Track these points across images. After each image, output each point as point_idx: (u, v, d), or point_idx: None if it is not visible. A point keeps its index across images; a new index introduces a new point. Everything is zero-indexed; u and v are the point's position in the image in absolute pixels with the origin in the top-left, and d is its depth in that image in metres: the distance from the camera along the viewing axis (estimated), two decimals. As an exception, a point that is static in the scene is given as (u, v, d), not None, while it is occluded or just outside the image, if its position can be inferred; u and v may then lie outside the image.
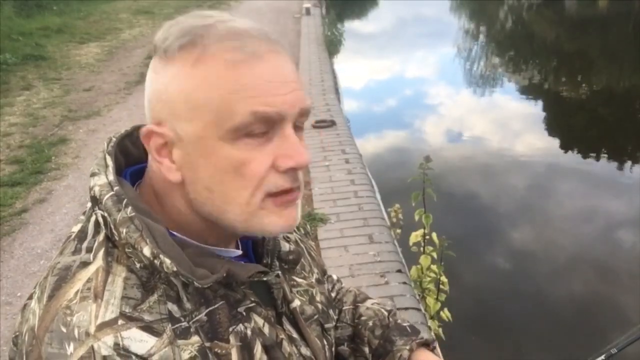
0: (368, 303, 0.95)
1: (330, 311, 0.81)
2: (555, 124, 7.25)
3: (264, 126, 0.56)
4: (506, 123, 7.30)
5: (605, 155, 6.01)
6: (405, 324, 0.90)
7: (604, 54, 10.79)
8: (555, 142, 6.50)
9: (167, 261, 0.54)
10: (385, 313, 0.92)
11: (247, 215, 0.58)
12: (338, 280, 1.00)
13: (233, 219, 0.58)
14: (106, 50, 8.75)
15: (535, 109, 7.84)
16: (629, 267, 3.87)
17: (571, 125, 7.35)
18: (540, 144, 6.43)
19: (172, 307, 0.56)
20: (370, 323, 0.90)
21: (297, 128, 0.60)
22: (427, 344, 0.88)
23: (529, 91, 8.75)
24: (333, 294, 0.96)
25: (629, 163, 5.84)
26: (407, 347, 0.85)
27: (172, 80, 0.56)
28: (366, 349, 0.88)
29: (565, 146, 6.30)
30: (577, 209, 4.87)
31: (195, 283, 0.55)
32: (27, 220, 3.70)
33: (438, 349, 0.93)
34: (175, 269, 0.54)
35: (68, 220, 3.64)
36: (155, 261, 0.54)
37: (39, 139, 5.15)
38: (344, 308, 0.94)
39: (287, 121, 0.57)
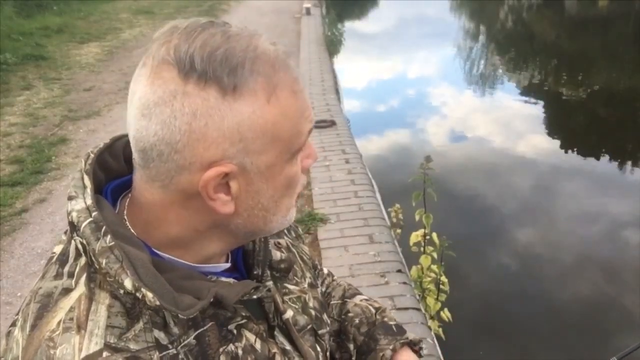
0: (357, 299, 0.94)
1: (324, 316, 0.80)
2: (556, 124, 7.25)
3: None
4: (506, 123, 7.30)
5: (607, 155, 6.01)
6: (391, 323, 0.89)
7: (604, 54, 10.79)
8: (555, 142, 6.50)
9: (149, 295, 0.51)
10: (373, 310, 0.91)
11: (284, 216, 0.62)
12: (329, 274, 1.00)
13: (275, 226, 0.62)
14: (106, 50, 8.75)
15: (535, 109, 7.83)
16: (634, 266, 3.87)
17: (571, 125, 7.35)
18: (540, 144, 6.43)
19: (159, 334, 0.54)
20: (357, 320, 0.89)
21: None
22: (413, 344, 0.87)
23: (529, 91, 8.74)
24: (323, 288, 0.94)
25: (630, 163, 5.84)
26: (390, 347, 0.84)
27: (246, 117, 0.52)
28: (351, 346, 0.88)
29: (566, 146, 6.30)
30: (579, 209, 4.87)
31: (179, 315, 0.53)
32: (27, 220, 3.70)
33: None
34: (157, 303, 0.52)
35: (68, 220, 3.64)
36: (137, 294, 0.52)
37: (39, 138, 5.15)
38: (331, 302, 0.93)
39: None
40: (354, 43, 12.33)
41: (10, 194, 4.03)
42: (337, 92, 6.89)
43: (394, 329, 0.88)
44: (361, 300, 0.94)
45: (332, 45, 10.06)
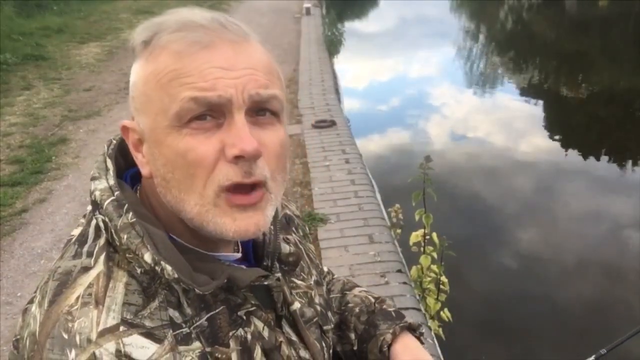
0: (356, 291, 0.96)
1: (329, 313, 0.81)
2: (556, 124, 7.25)
3: (214, 113, 0.55)
4: (506, 123, 7.30)
5: (607, 156, 6.00)
6: (390, 309, 0.90)
7: (604, 54, 10.79)
8: (555, 142, 6.50)
9: (168, 268, 0.54)
10: (372, 300, 0.92)
11: (200, 208, 0.56)
12: (328, 272, 1.01)
13: (189, 210, 0.56)
14: (106, 50, 8.75)
15: (535, 109, 7.84)
16: (635, 265, 3.87)
17: (571, 125, 7.35)
18: (540, 144, 6.43)
19: (173, 313, 0.56)
20: (357, 309, 0.91)
21: (259, 115, 0.58)
22: (412, 329, 0.88)
23: (529, 91, 8.74)
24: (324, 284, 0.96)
25: (630, 163, 5.84)
26: (390, 331, 0.85)
27: (135, 75, 0.58)
28: (352, 335, 0.89)
29: (566, 146, 6.30)
30: (579, 208, 4.87)
31: (196, 290, 0.55)
32: (27, 220, 3.70)
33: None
34: (176, 275, 0.54)
35: (68, 220, 3.64)
36: (156, 267, 0.54)
37: (39, 138, 5.15)
38: (331, 296, 0.94)
39: (236, 107, 0.55)
40: (354, 43, 12.33)
41: (10, 194, 4.03)
42: (337, 92, 6.89)
43: (393, 314, 0.89)
44: (360, 291, 0.95)
45: (332, 45, 10.06)
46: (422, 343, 0.87)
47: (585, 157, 6.03)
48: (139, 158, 0.60)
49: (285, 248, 0.72)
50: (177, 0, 13.40)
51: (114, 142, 0.65)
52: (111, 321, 0.52)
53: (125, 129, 0.61)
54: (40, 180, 4.30)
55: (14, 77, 7.01)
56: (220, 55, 0.55)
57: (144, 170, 0.60)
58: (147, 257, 0.54)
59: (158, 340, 0.53)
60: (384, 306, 0.91)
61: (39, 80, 7.03)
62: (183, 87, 0.54)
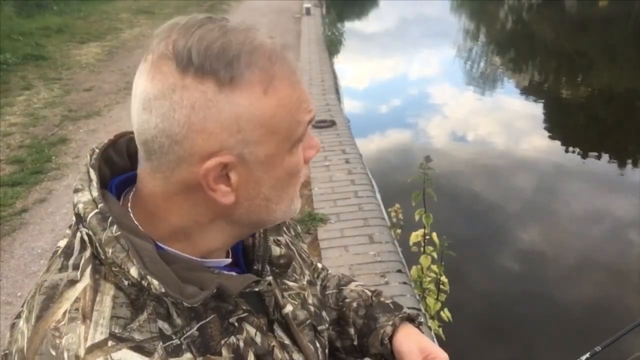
0: (352, 285, 0.95)
1: (323, 312, 0.81)
2: (556, 124, 7.26)
3: None
4: (506, 123, 7.30)
5: (607, 156, 6.01)
6: (388, 301, 0.90)
7: (604, 54, 10.79)
8: (555, 142, 6.50)
9: (155, 282, 0.53)
10: (369, 293, 0.92)
11: (289, 207, 0.63)
12: (323, 269, 1.00)
13: (279, 216, 0.63)
14: (106, 50, 8.75)
15: (535, 109, 7.84)
16: (636, 265, 3.87)
17: (571, 125, 7.35)
18: (540, 144, 6.43)
19: (163, 324, 0.55)
20: (355, 304, 0.90)
21: None
22: (411, 320, 0.88)
23: (529, 91, 8.75)
24: (318, 282, 0.95)
25: (630, 163, 5.84)
26: (390, 323, 0.85)
27: (244, 109, 0.53)
28: (351, 330, 0.89)
29: (565, 146, 6.30)
30: (579, 208, 4.87)
31: (184, 303, 0.54)
32: (27, 220, 3.70)
33: (432, 338, 0.93)
34: (163, 290, 0.53)
35: (68, 220, 3.63)
36: (143, 282, 0.53)
37: (39, 138, 5.15)
38: (327, 292, 0.94)
39: None
40: (354, 43, 12.33)
41: (10, 194, 4.03)
42: (337, 92, 6.89)
43: (391, 306, 0.88)
44: (356, 286, 0.95)
45: (332, 45, 10.06)
46: (421, 332, 0.87)
47: (585, 157, 6.03)
48: (220, 190, 0.56)
49: (276, 250, 0.72)
50: (178, 0, 13.43)
51: (97, 151, 0.62)
52: (99, 336, 0.51)
53: (214, 168, 0.54)
54: (40, 180, 4.30)
55: (14, 77, 7.01)
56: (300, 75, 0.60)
57: (227, 199, 0.57)
58: (133, 271, 0.53)
59: (148, 353, 0.52)
60: (381, 299, 0.91)
61: (39, 80, 7.03)
62: (304, 112, 0.58)
